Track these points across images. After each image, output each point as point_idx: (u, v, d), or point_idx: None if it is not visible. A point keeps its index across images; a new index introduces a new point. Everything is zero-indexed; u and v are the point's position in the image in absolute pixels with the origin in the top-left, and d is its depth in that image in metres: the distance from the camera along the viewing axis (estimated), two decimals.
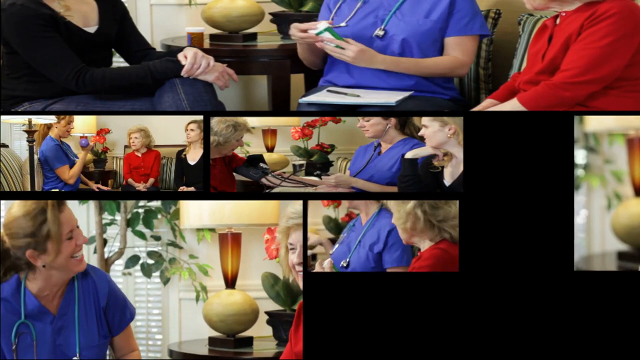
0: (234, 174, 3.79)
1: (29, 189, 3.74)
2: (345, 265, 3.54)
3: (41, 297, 2.95)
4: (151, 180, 4.01)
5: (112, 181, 4.05)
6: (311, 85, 4.22)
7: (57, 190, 3.84)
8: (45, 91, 3.72)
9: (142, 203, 4.39)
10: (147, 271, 4.43)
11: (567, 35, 3.40)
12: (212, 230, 4.35)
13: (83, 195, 4.08)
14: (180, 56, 3.69)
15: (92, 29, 3.79)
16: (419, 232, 3.28)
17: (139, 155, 4.03)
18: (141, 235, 4.42)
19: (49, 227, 2.88)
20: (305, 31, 3.77)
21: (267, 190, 3.71)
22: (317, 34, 3.72)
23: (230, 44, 4.38)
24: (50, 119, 3.80)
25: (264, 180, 3.72)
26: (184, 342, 4.33)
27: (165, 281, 4.43)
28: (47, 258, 2.90)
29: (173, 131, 3.97)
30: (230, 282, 4.22)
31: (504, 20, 4.17)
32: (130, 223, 4.41)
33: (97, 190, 3.94)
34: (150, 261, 4.43)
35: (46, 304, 2.96)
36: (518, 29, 4.07)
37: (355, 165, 3.75)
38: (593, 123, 3.64)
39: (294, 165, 4.18)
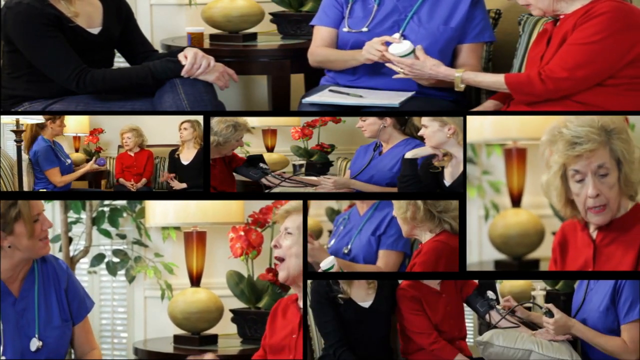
0: (234, 174, 3.80)
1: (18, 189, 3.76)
2: (346, 252, 3.55)
3: (4, 279, 2.99)
4: (143, 180, 4.02)
5: (105, 181, 4.05)
6: (311, 85, 4.22)
7: (45, 190, 3.85)
8: (45, 91, 3.72)
9: (107, 201, 4.39)
10: (112, 269, 4.44)
11: (562, 34, 3.41)
12: (177, 228, 4.37)
13: (79, 195, 4.08)
14: (180, 56, 3.69)
15: (95, 30, 3.79)
16: (419, 223, 3.29)
17: (132, 154, 4.04)
18: (106, 234, 4.43)
19: (18, 208, 2.92)
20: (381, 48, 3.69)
21: (267, 190, 3.71)
22: (402, 56, 3.62)
23: (230, 44, 4.38)
24: (38, 118, 3.81)
25: (264, 180, 3.72)
26: (149, 340, 4.34)
27: (131, 279, 4.45)
28: (14, 239, 2.94)
29: (171, 131, 3.98)
30: (195, 280, 4.24)
31: (504, 20, 4.17)
32: (95, 221, 4.42)
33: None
34: (116, 259, 4.45)
35: (8, 286, 2.99)
36: (518, 29, 4.07)
37: (355, 165, 3.75)
38: (471, 134, 3.66)
39: (294, 165, 4.19)
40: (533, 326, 3.12)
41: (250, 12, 4.43)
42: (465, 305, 3.32)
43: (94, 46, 3.77)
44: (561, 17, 3.48)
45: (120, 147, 4.06)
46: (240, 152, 3.86)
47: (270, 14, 4.53)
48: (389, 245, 3.51)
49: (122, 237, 4.46)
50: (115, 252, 4.45)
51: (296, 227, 2.98)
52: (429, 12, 3.82)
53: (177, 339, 4.20)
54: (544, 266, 4.07)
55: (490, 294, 3.23)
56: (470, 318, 3.59)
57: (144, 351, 4.15)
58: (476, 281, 3.28)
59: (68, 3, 3.72)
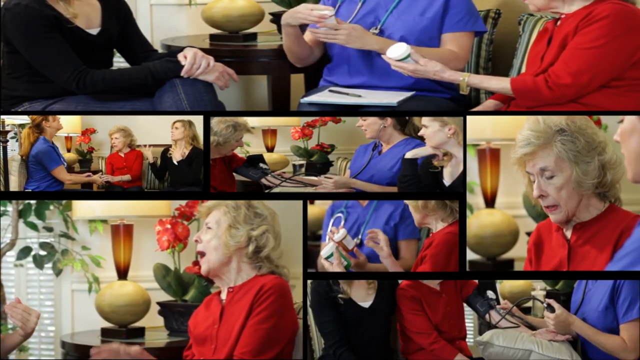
0: (234, 174, 3.80)
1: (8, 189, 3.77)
2: (358, 243, 3.54)
3: None
4: (127, 176, 4.01)
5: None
6: (311, 85, 4.22)
7: (30, 190, 3.85)
8: (45, 91, 3.72)
9: None
10: (39, 262, 4.42)
11: (563, 35, 3.41)
12: (104, 221, 4.36)
13: (71, 195, 4.08)
14: (180, 56, 3.69)
15: (94, 30, 3.79)
16: (430, 211, 3.29)
17: (122, 155, 4.04)
18: (33, 227, 4.41)
19: None
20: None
21: (267, 190, 3.71)
22: (401, 60, 3.59)
23: (230, 44, 4.38)
24: (24, 119, 3.81)
25: (263, 180, 3.72)
26: (77, 334, 4.33)
27: (58, 272, 4.44)
28: None
29: (167, 131, 3.99)
30: (123, 273, 4.24)
31: (504, 20, 4.17)
32: (22, 214, 4.40)
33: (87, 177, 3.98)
34: (43, 252, 4.43)
35: None
36: (518, 29, 4.08)
37: (355, 165, 3.75)
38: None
39: (294, 165, 4.18)
40: (533, 326, 3.12)
41: (250, 12, 4.43)
42: (465, 305, 3.32)
43: (93, 47, 3.77)
44: (562, 16, 3.48)
45: (113, 148, 4.07)
46: (240, 152, 3.86)
47: (270, 14, 4.53)
48: (408, 234, 3.52)
49: (49, 230, 4.44)
50: (42, 245, 4.43)
51: (215, 222, 3.01)
52: (406, 6, 3.84)
53: (104, 332, 4.20)
54: (519, 266, 4.07)
55: (490, 293, 3.23)
56: (470, 318, 3.59)
57: (72, 344, 4.14)
58: (476, 281, 3.28)
59: (67, 4, 3.72)
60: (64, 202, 4.38)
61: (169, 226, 4.07)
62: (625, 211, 2.89)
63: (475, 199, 4.21)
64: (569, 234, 2.91)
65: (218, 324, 2.98)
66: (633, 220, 2.85)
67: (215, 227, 3.01)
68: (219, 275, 3.02)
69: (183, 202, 4.09)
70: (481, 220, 4.15)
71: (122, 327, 4.18)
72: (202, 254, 3.03)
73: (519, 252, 4.09)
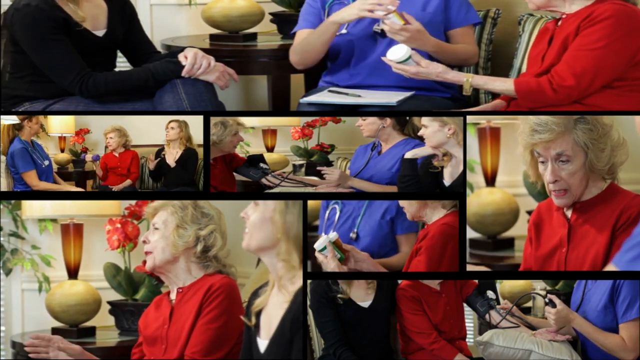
0: (235, 173, 3.80)
1: None
2: (354, 237, 3.54)
3: None
4: (128, 181, 4.02)
5: (92, 181, 4.05)
6: (311, 85, 4.22)
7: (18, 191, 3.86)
8: (47, 91, 3.72)
9: None
10: None
11: (565, 36, 3.41)
12: (54, 220, 4.38)
13: (65, 195, 4.08)
14: (180, 57, 3.69)
15: (100, 32, 3.79)
16: (431, 201, 3.29)
17: (117, 155, 4.04)
18: None
19: None
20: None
21: (267, 190, 3.72)
22: (401, 62, 3.55)
23: (230, 44, 4.38)
24: (13, 119, 3.80)
25: (264, 180, 3.72)
26: (27, 333, 4.33)
27: (8, 272, 4.45)
28: None
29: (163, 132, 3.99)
30: (73, 273, 4.26)
31: (504, 20, 4.17)
32: None
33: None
34: None
35: None
36: (518, 29, 4.08)
37: (355, 165, 3.75)
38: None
39: (294, 165, 4.19)
40: (533, 326, 3.12)
41: (250, 12, 4.43)
42: (465, 305, 3.32)
43: (98, 48, 3.76)
44: (563, 16, 3.47)
45: (107, 147, 4.08)
46: (240, 152, 3.86)
47: (270, 14, 4.53)
48: (406, 227, 3.52)
49: None
50: None
51: (162, 222, 3.04)
52: (404, 1, 3.83)
53: (55, 331, 4.20)
54: (519, 244, 4.08)
55: (490, 293, 3.24)
56: (470, 318, 3.60)
57: (22, 344, 4.12)
58: (476, 281, 3.28)
59: (76, 6, 3.71)
60: (13, 201, 4.38)
61: (119, 225, 4.09)
62: (625, 190, 2.92)
63: (475, 177, 4.22)
64: (569, 213, 2.94)
65: (168, 324, 3.01)
66: (633, 200, 2.88)
67: (163, 227, 3.03)
68: (164, 272, 3.05)
69: (133, 202, 4.10)
70: (482, 199, 4.16)
71: (73, 327, 4.20)
72: (150, 254, 3.05)
73: (520, 230, 4.11)
